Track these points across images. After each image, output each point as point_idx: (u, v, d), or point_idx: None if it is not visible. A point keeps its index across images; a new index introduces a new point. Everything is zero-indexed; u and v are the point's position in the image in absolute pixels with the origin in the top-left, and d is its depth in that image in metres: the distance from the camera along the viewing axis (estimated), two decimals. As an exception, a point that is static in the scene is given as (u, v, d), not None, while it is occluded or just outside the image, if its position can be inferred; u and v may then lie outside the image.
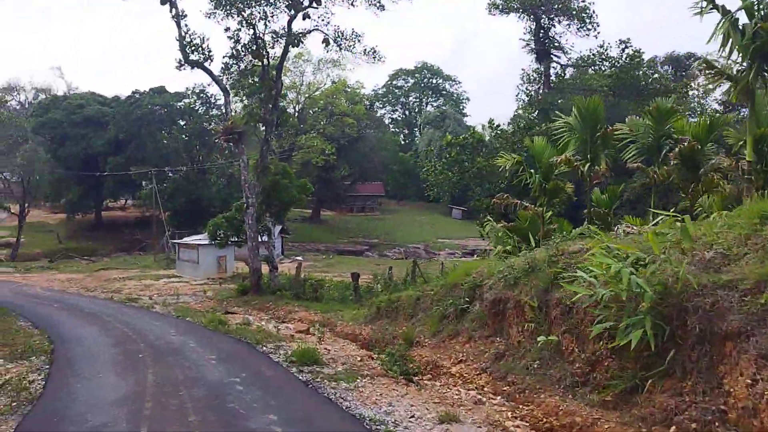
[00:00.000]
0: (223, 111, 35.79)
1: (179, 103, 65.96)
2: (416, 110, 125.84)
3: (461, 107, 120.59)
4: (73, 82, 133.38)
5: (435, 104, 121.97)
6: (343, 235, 78.38)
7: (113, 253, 64.39)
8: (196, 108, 66.29)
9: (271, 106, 29.77)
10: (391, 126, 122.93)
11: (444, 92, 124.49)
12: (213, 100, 66.54)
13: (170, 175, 64.54)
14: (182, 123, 66.68)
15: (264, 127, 30.73)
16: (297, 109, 73.26)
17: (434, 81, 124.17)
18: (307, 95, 72.40)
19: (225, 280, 38.87)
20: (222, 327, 17.77)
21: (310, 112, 73.16)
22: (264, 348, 14.22)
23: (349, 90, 75.77)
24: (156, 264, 49.07)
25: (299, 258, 58.01)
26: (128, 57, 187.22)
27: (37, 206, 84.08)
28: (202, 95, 66.24)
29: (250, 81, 30.26)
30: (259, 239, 30.92)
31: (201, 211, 64.46)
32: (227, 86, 31.06)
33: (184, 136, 65.71)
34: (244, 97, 32.41)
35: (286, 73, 69.96)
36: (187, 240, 42.78)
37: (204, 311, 25.77)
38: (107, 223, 78.01)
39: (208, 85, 66.96)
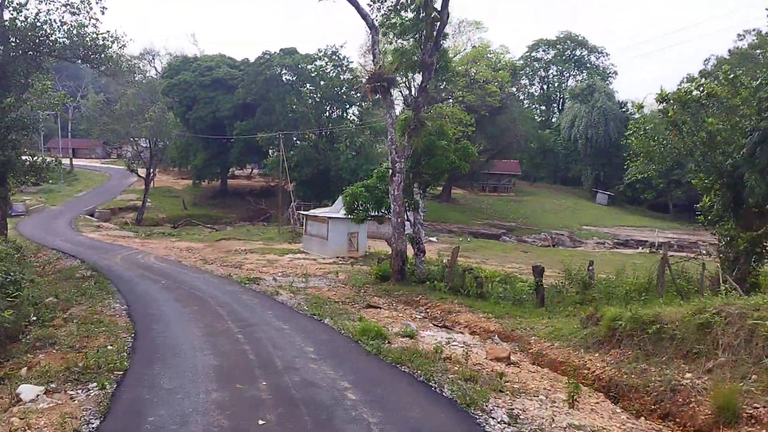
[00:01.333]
0: (358, 63, 29.69)
1: (310, 66, 61.11)
2: (556, 84, 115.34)
3: (607, 82, 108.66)
4: (205, 50, 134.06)
5: (578, 78, 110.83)
6: (475, 216, 71.31)
7: (236, 223, 61.40)
8: (327, 71, 61.19)
9: (431, 45, 23.21)
10: (525, 101, 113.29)
11: (588, 65, 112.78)
12: (346, 63, 61.15)
13: (297, 143, 60.10)
14: (312, 87, 61.83)
15: (421, 73, 24.19)
16: (434, 74, 66.48)
17: (578, 53, 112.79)
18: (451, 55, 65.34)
19: (356, 261, 33.25)
20: (383, 346, 11.48)
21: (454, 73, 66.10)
22: (493, 421, 7.67)
23: (491, 55, 67.98)
24: (280, 237, 44.49)
25: (433, 239, 51.77)
26: (261, 23, 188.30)
27: (166, 171, 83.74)
28: (334, 57, 61.01)
29: (404, 16, 23.81)
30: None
31: (328, 183, 59.81)
32: (375, 22, 24.80)
33: (313, 101, 60.97)
34: (394, 39, 26.03)
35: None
36: (315, 212, 37.50)
37: (340, 302, 20.00)
38: (232, 191, 75.75)
39: (341, 46, 61.81)
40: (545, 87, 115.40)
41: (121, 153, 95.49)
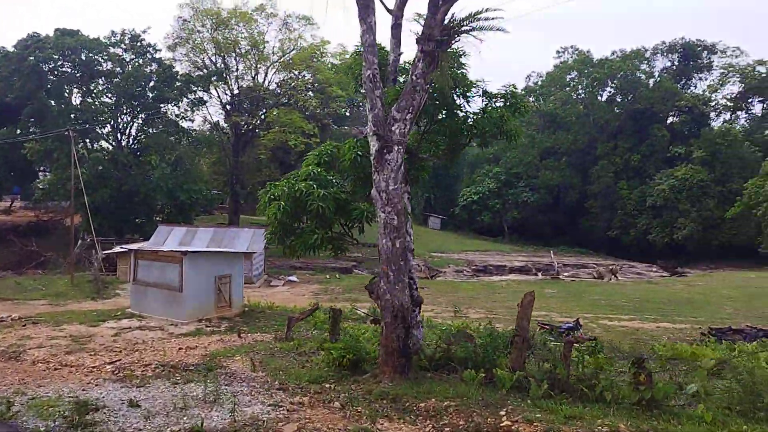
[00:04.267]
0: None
1: (101, 55, 44.94)
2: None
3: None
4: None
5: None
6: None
7: (-7, 273, 42.32)
8: (125, 59, 45.57)
9: None
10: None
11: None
12: (152, 52, 46.04)
13: (86, 155, 43.24)
14: (106, 83, 45.52)
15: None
16: (268, 73, 53.94)
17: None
18: (279, 55, 53.11)
19: (235, 324, 19.76)
20: None
21: (288, 76, 53.94)
22: None
23: (330, 54, 57.21)
24: (76, 290, 28.51)
25: (292, 278, 38.98)
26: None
27: None
28: (136, 44, 45.64)
29: None
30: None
31: (133, 210, 43.92)
32: None
33: (109, 101, 44.73)
34: None
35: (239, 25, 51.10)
36: (149, 245, 23.09)
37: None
38: (-17, 230, 54.83)
39: (143, 32, 46.43)
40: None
41: None
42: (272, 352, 15.40)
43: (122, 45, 45.61)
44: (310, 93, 51.37)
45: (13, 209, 65.30)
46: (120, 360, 15.01)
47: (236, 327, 19.34)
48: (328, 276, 40.81)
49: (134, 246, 24.14)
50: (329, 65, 55.06)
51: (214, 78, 48.89)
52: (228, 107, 53.22)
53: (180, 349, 16.20)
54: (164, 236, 34.25)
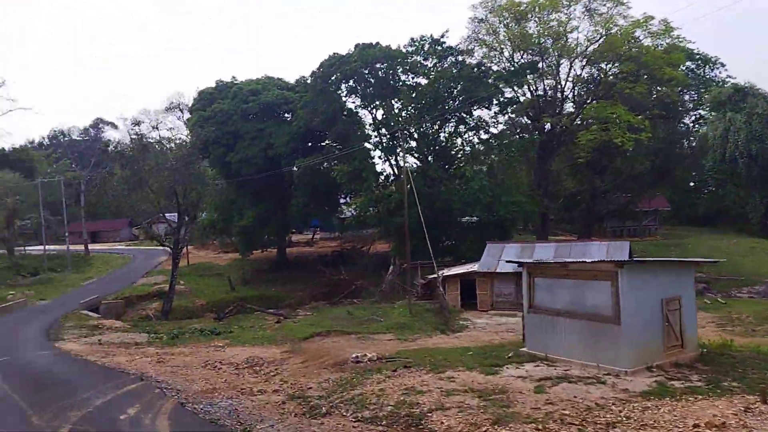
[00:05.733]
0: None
1: (401, 66, 41.76)
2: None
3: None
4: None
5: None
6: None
7: (306, 303, 40.60)
8: (427, 66, 41.82)
9: None
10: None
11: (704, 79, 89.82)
12: (454, 53, 41.58)
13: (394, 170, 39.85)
14: (409, 92, 41.93)
15: None
16: (574, 66, 46.22)
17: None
18: (586, 45, 45.02)
19: (707, 374, 12.02)
20: None
21: (600, 65, 45.65)
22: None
23: (650, 33, 47.22)
24: (417, 320, 23.44)
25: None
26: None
27: (204, 246, 63.95)
28: (436, 48, 41.60)
29: None
30: None
31: (444, 229, 39.09)
32: None
33: (413, 107, 40.91)
34: None
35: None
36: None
37: None
38: (293, 261, 55.24)
39: (442, 36, 42.15)
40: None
41: (150, 234, 76.12)
42: None
43: (422, 52, 41.87)
44: (632, 80, 42.21)
45: (315, 241, 66.59)
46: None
47: (719, 380, 11.67)
48: (707, 301, 31.11)
49: (551, 259, 17.91)
50: (653, 47, 45.20)
51: (528, 72, 42.56)
52: (533, 109, 46.47)
53: (695, 426, 9.01)
54: (496, 255, 28.55)
